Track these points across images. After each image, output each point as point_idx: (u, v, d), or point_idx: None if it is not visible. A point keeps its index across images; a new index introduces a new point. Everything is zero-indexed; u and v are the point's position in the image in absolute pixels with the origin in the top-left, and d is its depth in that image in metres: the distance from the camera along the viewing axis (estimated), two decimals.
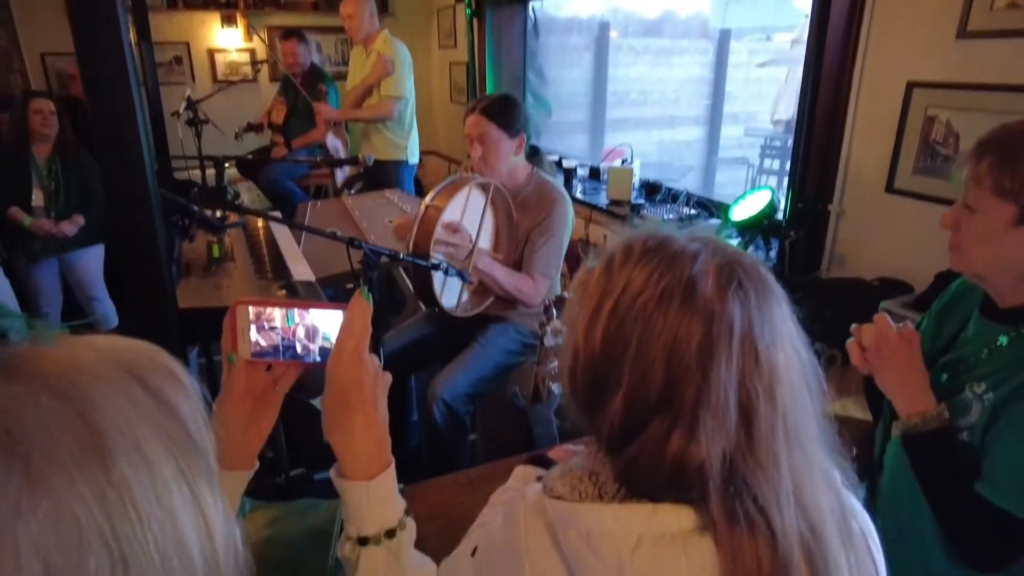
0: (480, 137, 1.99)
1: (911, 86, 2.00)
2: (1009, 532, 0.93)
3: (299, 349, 0.73)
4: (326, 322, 0.73)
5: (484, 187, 1.98)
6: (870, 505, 1.21)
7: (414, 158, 3.94)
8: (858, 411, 1.46)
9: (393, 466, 0.70)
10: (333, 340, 0.72)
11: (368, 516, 0.67)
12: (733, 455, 0.58)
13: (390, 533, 0.67)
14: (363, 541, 0.67)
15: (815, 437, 0.64)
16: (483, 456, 2.33)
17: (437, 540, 1.08)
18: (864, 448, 1.34)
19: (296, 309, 0.73)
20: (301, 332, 0.73)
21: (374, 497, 0.67)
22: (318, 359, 0.73)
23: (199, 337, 1.76)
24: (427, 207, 1.80)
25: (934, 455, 1.01)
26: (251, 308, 0.72)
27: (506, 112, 1.99)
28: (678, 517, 0.59)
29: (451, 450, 2.03)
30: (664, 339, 0.59)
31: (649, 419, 0.59)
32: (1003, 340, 1.02)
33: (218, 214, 2.31)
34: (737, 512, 0.57)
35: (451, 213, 1.88)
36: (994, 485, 0.94)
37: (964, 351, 1.09)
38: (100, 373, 0.35)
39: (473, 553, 0.74)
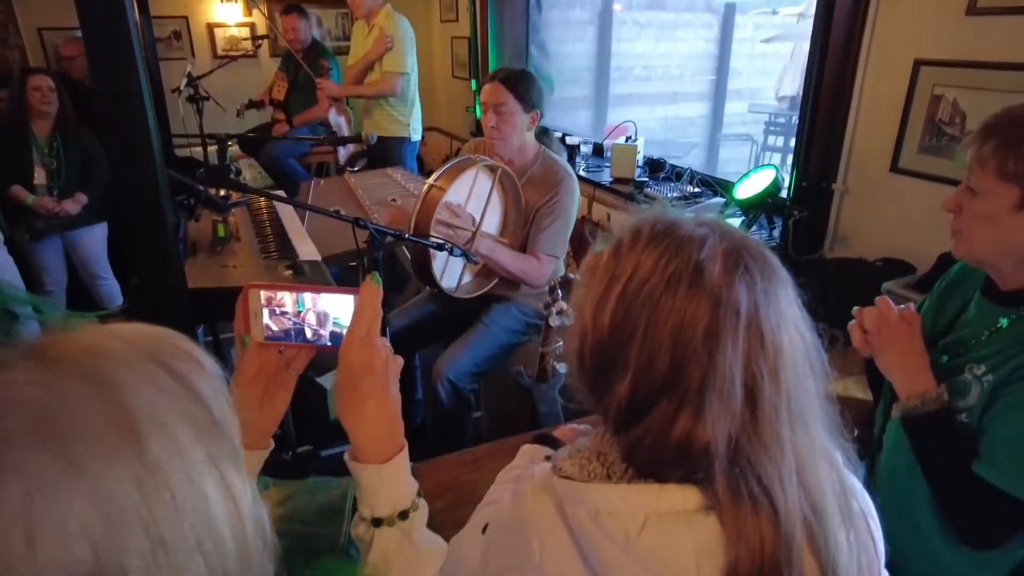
0: (496, 106, 1.99)
1: (918, 64, 1.98)
2: (1006, 511, 0.94)
3: (309, 334, 0.75)
4: (336, 307, 0.74)
5: (491, 169, 1.97)
6: (868, 483, 1.23)
7: (416, 135, 3.92)
8: (859, 391, 1.48)
9: (406, 449, 0.72)
10: (344, 324, 0.73)
11: (382, 498, 0.69)
12: (738, 436, 0.59)
13: (403, 514, 0.69)
14: (376, 522, 0.69)
15: (818, 417, 0.65)
16: (487, 433, 2.36)
17: (445, 516, 1.11)
18: (864, 427, 1.36)
19: (307, 294, 0.74)
20: (312, 318, 0.74)
21: (387, 479, 0.69)
22: (329, 343, 0.74)
23: (206, 316, 1.77)
24: (430, 187, 1.79)
25: (933, 436, 1.02)
26: (263, 292, 0.73)
27: (524, 86, 1.99)
28: (684, 497, 0.60)
29: (456, 427, 2.06)
30: (671, 323, 0.60)
31: (656, 401, 0.60)
32: (1003, 322, 1.03)
33: (222, 193, 2.32)
34: (741, 492, 0.59)
35: (455, 195, 1.88)
36: (992, 465, 0.96)
37: (964, 332, 1.10)
38: (127, 360, 0.36)
39: (484, 531, 0.76)
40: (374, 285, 0.71)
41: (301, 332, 0.75)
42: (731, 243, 0.63)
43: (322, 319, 0.74)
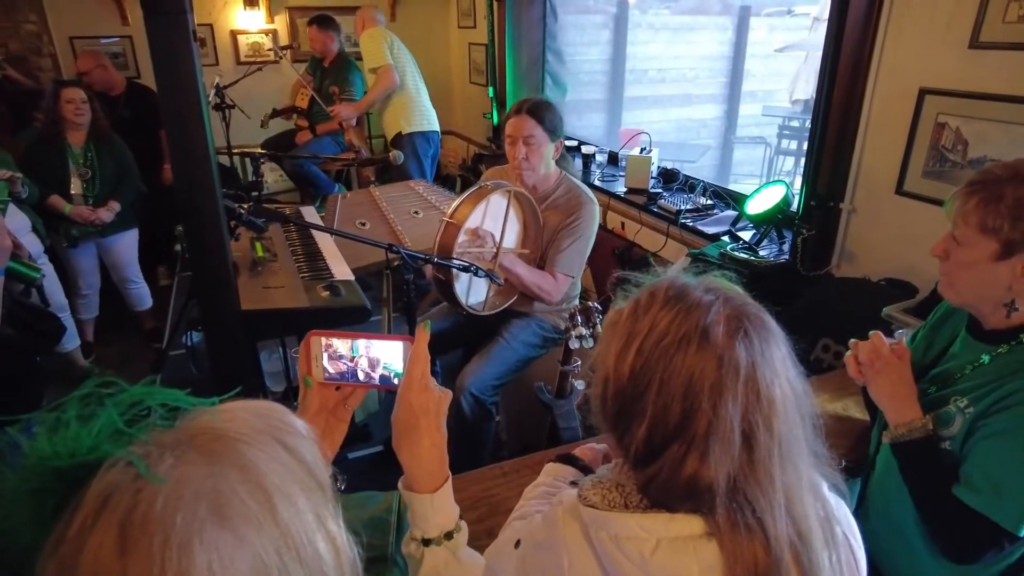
0: (526, 138, 2.08)
1: (923, 92, 2.06)
2: (982, 530, 1.05)
3: (362, 376, 0.87)
4: (386, 352, 0.86)
5: (504, 191, 2.08)
6: (863, 497, 1.34)
7: (410, 127, 4.04)
8: (857, 411, 1.58)
9: (451, 479, 0.84)
10: (392, 367, 0.86)
11: (431, 522, 0.81)
12: (736, 475, 0.70)
13: (448, 535, 0.82)
14: (426, 542, 0.81)
15: (805, 456, 0.76)
16: (506, 436, 2.49)
17: (477, 527, 1.23)
18: (861, 444, 1.47)
19: (361, 341, 0.86)
20: (364, 362, 0.87)
21: (436, 506, 0.82)
22: (378, 383, 0.87)
23: (255, 336, 1.88)
24: (446, 223, 1.90)
25: (918, 461, 1.13)
26: (323, 339, 0.86)
27: (549, 116, 2.09)
28: (690, 525, 0.72)
29: (478, 435, 2.18)
30: (682, 377, 0.71)
31: (668, 444, 0.71)
32: (985, 358, 1.13)
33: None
34: (738, 522, 0.70)
35: (471, 220, 1.99)
36: (971, 489, 1.06)
37: (951, 365, 1.20)
38: (256, 441, 0.47)
39: (516, 545, 0.87)
40: (426, 332, 0.83)
41: (354, 374, 0.87)
42: (733, 309, 0.74)
43: (373, 363, 0.87)
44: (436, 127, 4.22)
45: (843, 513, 0.83)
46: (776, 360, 0.73)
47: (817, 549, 0.72)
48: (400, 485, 0.84)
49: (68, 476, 0.43)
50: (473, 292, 2.13)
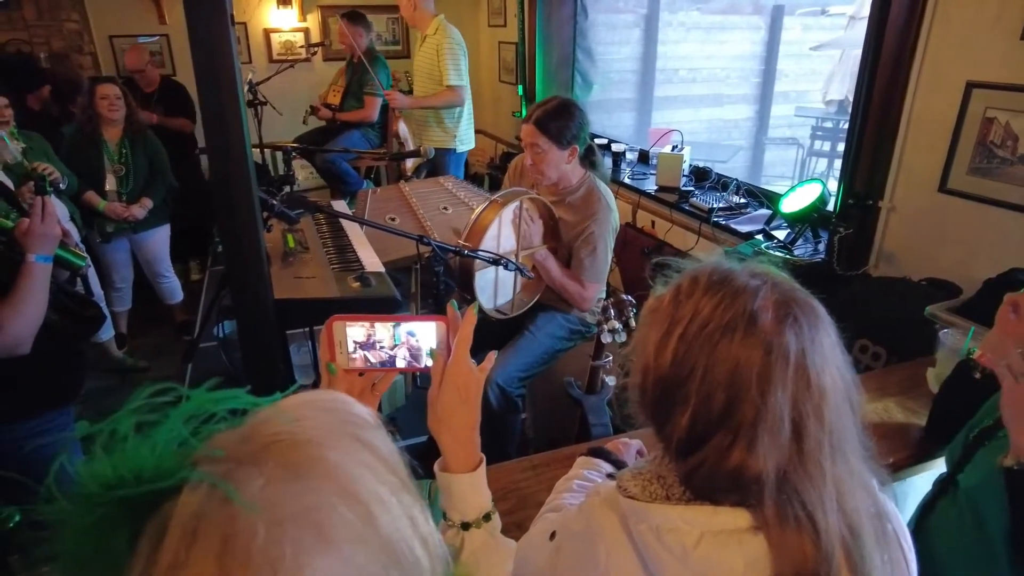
0: (532, 146, 2.09)
1: (971, 85, 2.00)
2: None
3: (386, 359, 0.84)
4: (421, 334, 0.84)
5: (517, 201, 2.07)
6: (930, 508, 1.21)
7: (463, 146, 3.99)
8: (899, 412, 1.53)
9: (484, 460, 0.82)
10: (425, 349, 0.83)
11: (470, 502, 0.80)
12: (785, 467, 0.67)
13: (487, 517, 0.80)
14: (466, 526, 0.80)
15: (856, 449, 0.73)
16: (532, 432, 2.47)
17: (506, 519, 1.21)
18: (903, 448, 1.41)
19: (391, 323, 0.83)
20: (402, 350, 0.85)
21: (475, 485, 0.81)
22: (420, 366, 0.85)
23: (287, 325, 1.89)
24: (462, 246, 1.88)
25: None
26: (346, 324, 0.83)
27: (559, 124, 2.06)
28: (735, 518, 0.69)
29: (505, 428, 2.17)
30: (728, 365, 0.68)
31: (712, 433, 0.69)
32: None
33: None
34: (787, 515, 0.67)
35: (487, 239, 1.98)
36: None
37: None
38: (339, 446, 0.43)
39: (552, 537, 0.86)
40: (475, 314, 0.81)
41: (392, 360, 0.84)
42: (781, 294, 0.71)
43: (407, 347, 0.84)
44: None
45: (893, 510, 0.79)
46: (826, 347, 0.70)
47: (869, 545, 0.69)
48: (437, 468, 0.82)
49: (137, 504, 0.38)
50: (500, 292, 2.12)
